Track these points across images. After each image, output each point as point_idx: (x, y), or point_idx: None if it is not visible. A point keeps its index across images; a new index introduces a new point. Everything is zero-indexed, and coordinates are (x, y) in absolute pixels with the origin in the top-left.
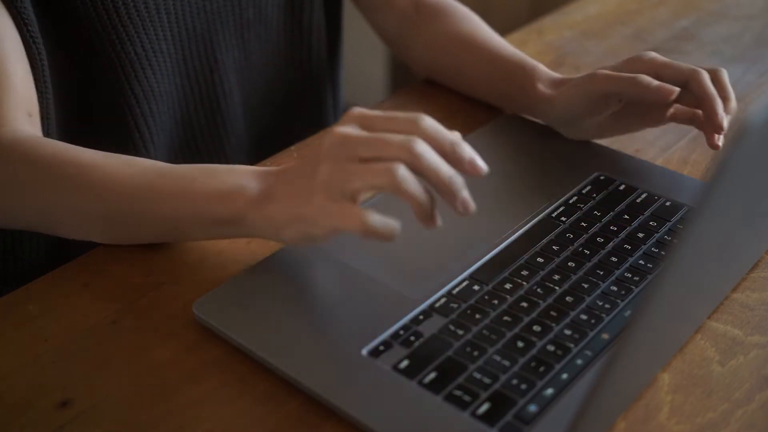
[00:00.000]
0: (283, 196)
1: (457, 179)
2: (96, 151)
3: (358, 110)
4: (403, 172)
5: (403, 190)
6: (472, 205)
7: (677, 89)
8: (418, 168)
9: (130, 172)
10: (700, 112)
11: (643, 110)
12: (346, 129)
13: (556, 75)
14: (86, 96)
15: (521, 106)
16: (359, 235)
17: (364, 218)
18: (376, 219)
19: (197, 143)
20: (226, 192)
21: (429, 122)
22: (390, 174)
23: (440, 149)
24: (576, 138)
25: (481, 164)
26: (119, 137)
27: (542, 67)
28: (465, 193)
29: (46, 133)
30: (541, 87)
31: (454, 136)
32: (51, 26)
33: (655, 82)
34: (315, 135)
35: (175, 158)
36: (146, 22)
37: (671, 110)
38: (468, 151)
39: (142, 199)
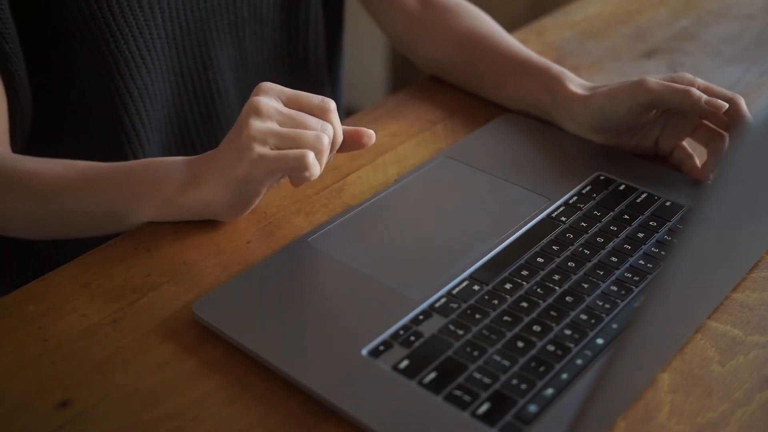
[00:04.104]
0: (213, 173)
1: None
2: (41, 158)
3: (272, 84)
4: (326, 142)
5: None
6: (367, 131)
7: (726, 104)
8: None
9: (71, 173)
10: (726, 135)
11: (672, 126)
12: (269, 100)
13: (584, 81)
14: (80, 93)
15: (543, 105)
16: (300, 171)
17: (308, 156)
18: (315, 159)
19: (192, 141)
20: (157, 181)
21: (334, 107)
22: (319, 143)
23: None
24: (604, 143)
25: (369, 133)
26: (112, 135)
27: (568, 72)
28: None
29: (20, 139)
30: (573, 87)
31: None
32: (43, 23)
33: (706, 97)
34: None
35: (169, 156)
36: (140, 21)
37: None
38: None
39: (84, 196)
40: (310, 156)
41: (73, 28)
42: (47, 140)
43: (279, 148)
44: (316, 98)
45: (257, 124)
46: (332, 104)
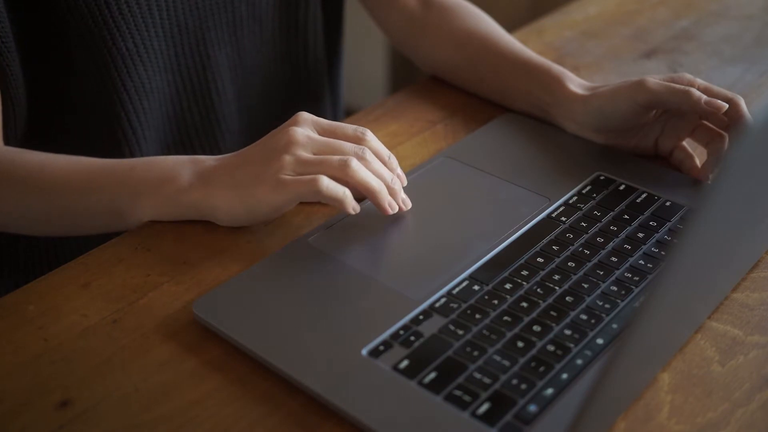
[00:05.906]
0: (227, 180)
1: (383, 188)
2: (43, 153)
3: (308, 115)
4: (355, 164)
5: (357, 179)
6: (396, 207)
7: (726, 104)
8: (360, 173)
9: (73, 170)
10: (725, 135)
11: (671, 127)
12: (304, 130)
13: (584, 81)
14: (77, 91)
15: (543, 105)
16: (318, 197)
17: (320, 180)
18: (331, 182)
19: (191, 140)
20: (162, 178)
21: (372, 135)
22: (346, 166)
23: (380, 159)
24: (604, 143)
25: (404, 177)
26: (110, 133)
27: (569, 72)
28: (389, 199)
29: (13, 135)
30: (573, 87)
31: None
32: (40, 21)
33: (705, 97)
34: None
35: (167, 154)
36: (138, 19)
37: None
38: (396, 163)
39: (86, 192)
40: (323, 180)
41: (71, 26)
42: (44, 137)
43: (303, 174)
44: (350, 128)
45: (288, 158)
46: (368, 133)
